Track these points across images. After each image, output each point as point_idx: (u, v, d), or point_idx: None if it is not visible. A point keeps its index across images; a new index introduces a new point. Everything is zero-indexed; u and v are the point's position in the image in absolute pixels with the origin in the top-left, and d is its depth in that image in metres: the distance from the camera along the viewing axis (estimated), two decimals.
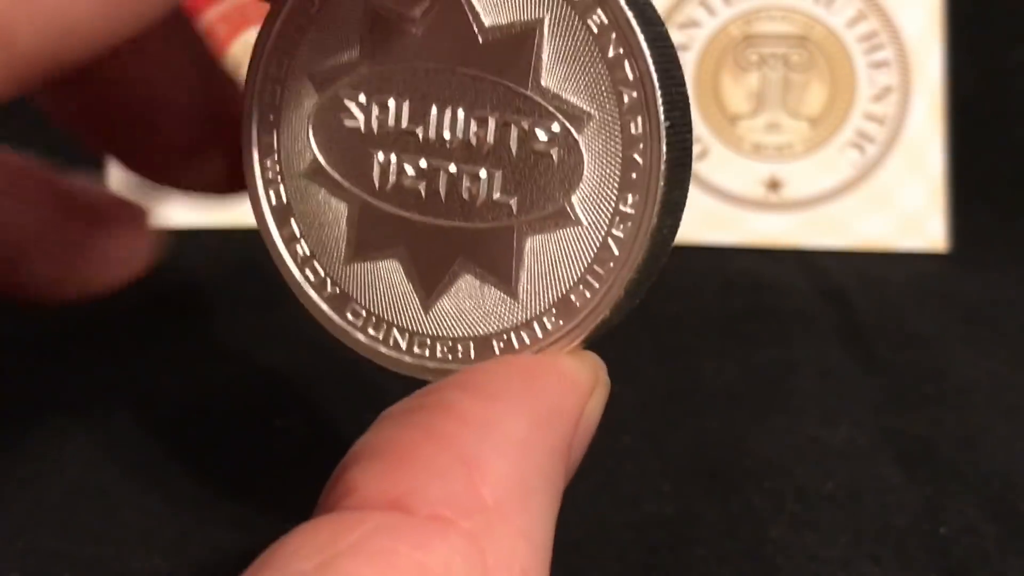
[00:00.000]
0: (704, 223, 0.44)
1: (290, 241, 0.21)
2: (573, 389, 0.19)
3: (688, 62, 0.45)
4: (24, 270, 0.23)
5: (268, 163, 0.21)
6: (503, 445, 0.17)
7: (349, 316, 0.21)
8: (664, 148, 0.18)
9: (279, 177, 0.21)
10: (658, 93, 0.18)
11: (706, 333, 0.37)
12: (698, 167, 0.44)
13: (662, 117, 0.18)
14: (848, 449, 0.31)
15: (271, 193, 0.21)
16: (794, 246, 0.44)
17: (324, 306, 0.21)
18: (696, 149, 0.44)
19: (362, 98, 0.20)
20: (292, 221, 0.21)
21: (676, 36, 0.45)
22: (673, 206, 0.19)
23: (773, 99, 0.45)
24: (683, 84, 0.19)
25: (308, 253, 0.21)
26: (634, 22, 0.18)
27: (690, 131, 0.19)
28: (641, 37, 0.18)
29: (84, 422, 0.31)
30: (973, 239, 0.44)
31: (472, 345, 0.20)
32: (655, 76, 0.18)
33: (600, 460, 0.30)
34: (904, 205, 0.44)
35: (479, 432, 0.17)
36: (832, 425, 0.32)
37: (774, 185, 0.44)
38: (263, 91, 0.21)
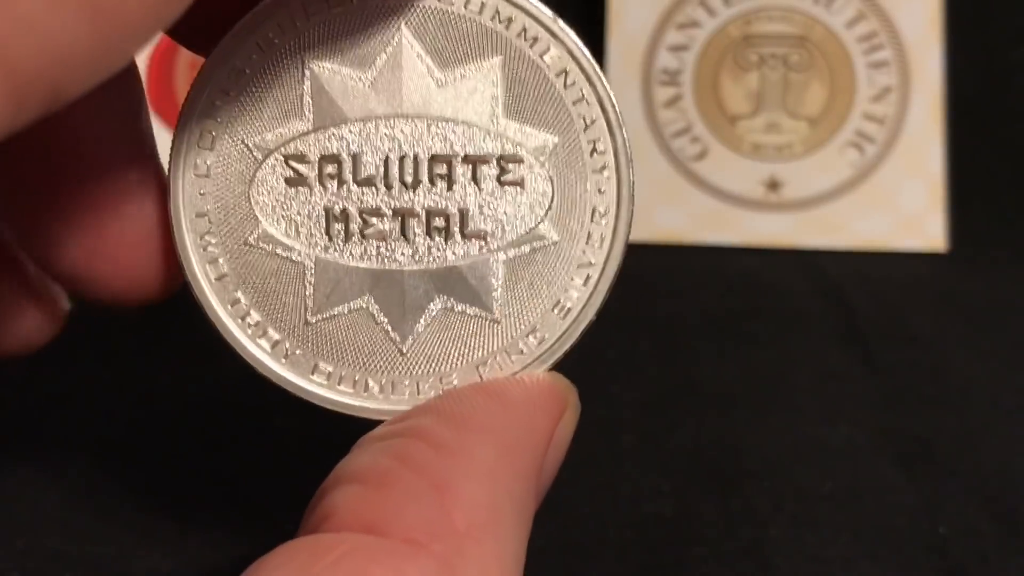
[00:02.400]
0: (704, 223, 0.44)
1: (238, 314, 0.21)
2: (544, 413, 0.20)
3: (688, 62, 0.45)
4: None
5: (204, 237, 0.20)
6: (474, 472, 0.18)
7: (315, 376, 0.21)
8: (629, 162, 0.20)
9: (218, 250, 0.21)
10: (618, 114, 0.20)
11: (706, 333, 0.37)
12: (698, 167, 0.44)
13: (624, 132, 0.20)
14: (847, 449, 0.31)
15: (209, 268, 0.21)
16: (794, 246, 0.44)
17: (286, 373, 0.21)
18: (696, 149, 0.45)
19: (310, 157, 0.20)
20: (238, 294, 0.21)
21: (676, 36, 0.45)
22: (632, 211, 0.21)
23: (773, 99, 0.45)
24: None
25: (261, 321, 0.21)
26: (587, 53, 0.20)
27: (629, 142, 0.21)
28: (595, 67, 0.20)
29: (84, 422, 0.31)
30: (973, 239, 0.44)
31: (455, 376, 0.20)
32: (613, 99, 0.20)
33: (600, 460, 0.30)
34: (904, 205, 0.44)
35: (451, 459, 0.18)
36: (831, 425, 0.32)
37: (774, 185, 0.44)
38: (188, 163, 0.20)
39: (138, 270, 0.21)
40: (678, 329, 0.38)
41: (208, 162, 0.21)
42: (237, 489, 0.28)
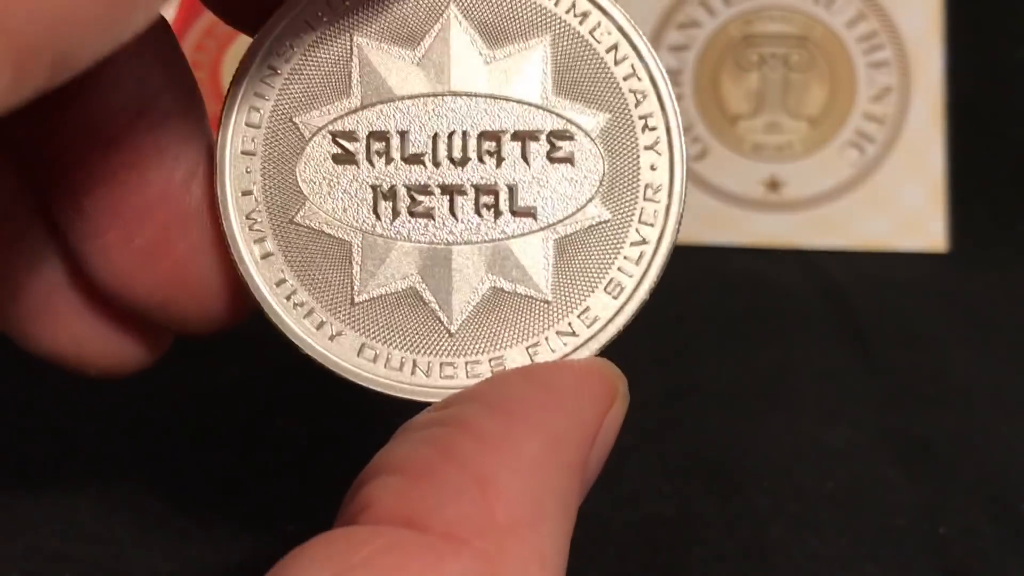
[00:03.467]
0: (704, 223, 0.44)
1: (283, 293, 0.20)
2: (592, 404, 0.19)
3: (688, 62, 0.45)
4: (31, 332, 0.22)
5: (249, 215, 0.20)
6: (518, 465, 0.17)
7: (361, 357, 0.20)
8: (681, 137, 0.20)
9: (264, 228, 0.20)
10: (669, 89, 0.20)
11: (706, 333, 0.37)
12: (698, 167, 0.44)
13: (676, 109, 0.20)
14: (848, 449, 0.31)
15: (255, 247, 0.20)
16: (794, 246, 0.44)
17: (331, 353, 0.20)
18: (696, 149, 0.45)
19: (358, 134, 0.20)
20: (283, 272, 0.20)
21: (676, 36, 0.45)
22: (685, 186, 0.20)
23: (773, 99, 0.45)
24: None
25: (307, 301, 0.20)
26: (637, 28, 0.20)
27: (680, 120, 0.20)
28: (646, 42, 0.20)
29: (84, 422, 0.31)
30: (973, 239, 0.44)
31: (504, 357, 0.20)
32: (664, 75, 0.20)
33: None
34: (904, 205, 0.44)
35: (494, 451, 0.17)
36: (832, 425, 0.32)
37: (774, 185, 0.44)
38: (238, 142, 0.20)
39: (203, 290, 0.21)
40: (678, 329, 0.38)
41: (255, 140, 0.20)
42: (237, 489, 0.28)
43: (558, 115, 0.20)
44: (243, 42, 0.46)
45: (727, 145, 0.45)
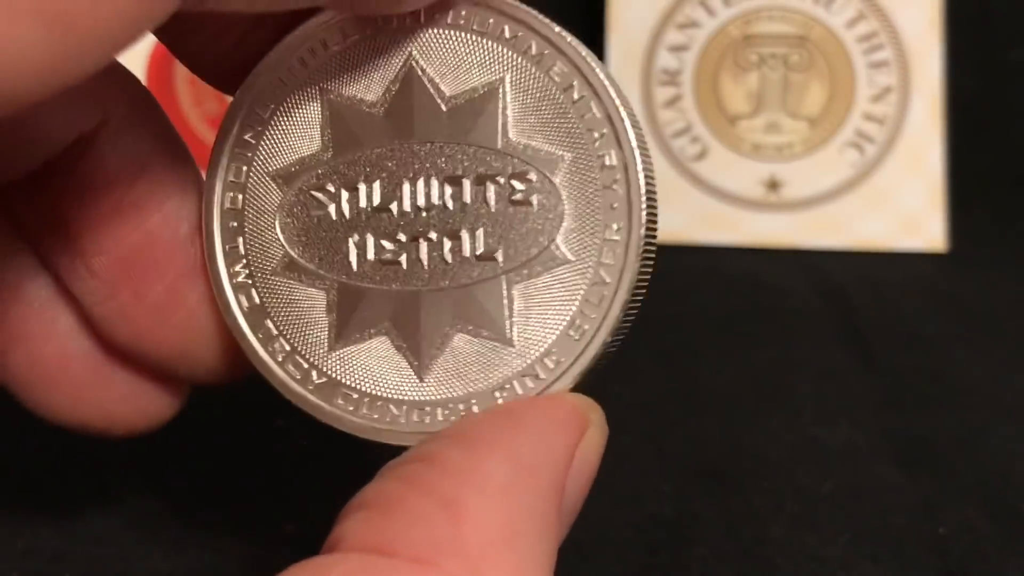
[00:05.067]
0: (704, 223, 0.44)
1: (267, 341, 0.21)
2: (561, 429, 0.19)
3: (688, 62, 0.45)
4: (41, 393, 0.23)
5: (236, 268, 0.21)
6: (485, 489, 0.17)
7: (340, 401, 0.20)
8: (641, 172, 0.20)
9: (249, 280, 0.21)
10: (627, 124, 0.19)
11: (706, 333, 0.37)
12: (698, 167, 0.44)
13: (634, 144, 0.19)
14: (847, 449, 0.31)
15: (242, 298, 0.21)
16: (794, 246, 0.44)
17: (312, 398, 0.21)
18: (696, 149, 0.45)
19: (330, 187, 0.21)
20: (267, 322, 0.21)
21: (676, 36, 0.45)
22: (654, 223, 0.20)
23: (773, 99, 0.45)
24: (634, 113, 0.20)
25: (288, 349, 0.21)
26: (597, 66, 0.20)
27: (649, 155, 0.20)
28: (604, 78, 0.20)
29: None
30: (973, 239, 0.44)
31: (474, 402, 0.20)
32: (622, 111, 0.19)
33: (600, 460, 0.30)
34: (904, 205, 0.44)
35: (460, 477, 0.17)
36: (831, 425, 0.32)
37: (774, 185, 0.44)
38: (223, 200, 0.21)
39: (215, 338, 0.22)
40: (678, 329, 0.38)
41: (238, 198, 0.21)
42: (237, 489, 0.28)
43: (517, 157, 0.20)
44: None
45: (727, 145, 0.45)
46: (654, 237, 0.20)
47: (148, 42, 0.44)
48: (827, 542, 0.27)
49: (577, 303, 0.20)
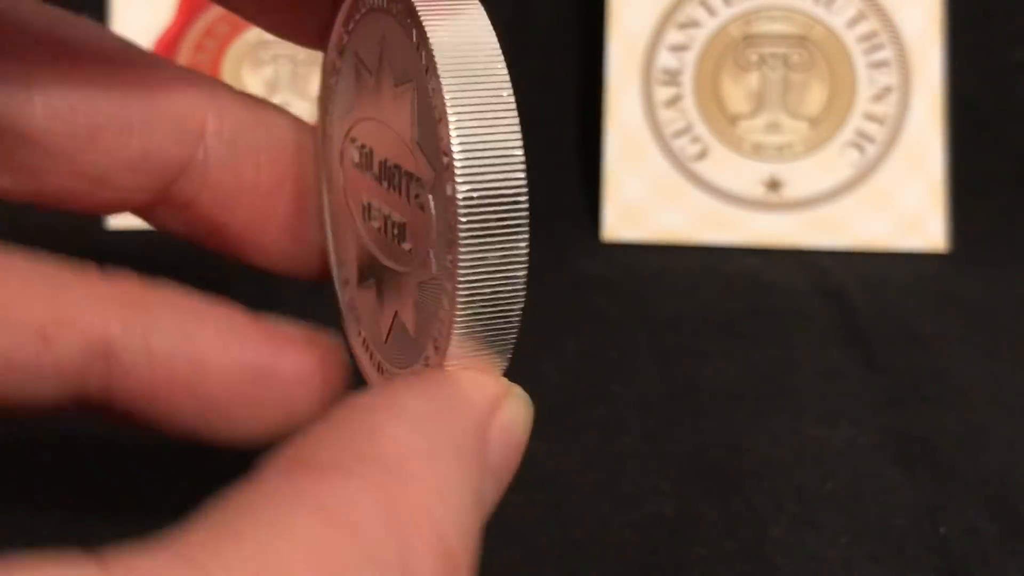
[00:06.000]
0: (704, 223, 0.44)
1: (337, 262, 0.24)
2: (477, 386, 0.20)
3: (688, 62, 0.45)
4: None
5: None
6: (402, 415, 0.18)
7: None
8: (463, 215, 0.19)
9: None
10: (456, 160, 0.19)
11: (706, 333, 0.37)
12: (698, 167, 0.44)
13: (459, 186, 0.19)
14: (848, 449, 0.31)
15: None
16: (794, 246, 0.44)
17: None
18: (696, 149, 0.45)
19: (356, 140, 0.23)
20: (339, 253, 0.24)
21: (676, 36, 0.45)
22: (487, 261, 0.19)
23: (773, 99, 0.45)
24: (511, 147, 0.19)
25: (344, 275, 0.24)
26: (447, 88, 0.19)
27: (518, 191, 0.19)
28: (448, 102, 0.19)
29: (85, 422, 0.31)
30: (973, 239, 0.44)
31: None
32: (455, 143, 0.19)
33: (600, 460, 0.30)
34: (904, 205, 0.44)
35: (381, 410, 0.18)
36: (832, 425, 0.32)
37: (774, 185, 0.44)
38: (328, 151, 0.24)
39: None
40: (678, 329, 0.38)
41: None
42: None
43: (420, 159, 0.20)
44: (243, 41, 0.46)
45: (727, 145, 0.45)
46: (503, 270, 0.20)
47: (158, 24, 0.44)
48: (827, 542, 0.27)
49: (443, 316, 0.20)
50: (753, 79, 0.45)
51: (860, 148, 0.44)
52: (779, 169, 0.44)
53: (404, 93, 0.20)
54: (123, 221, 0.41)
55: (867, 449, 0.31)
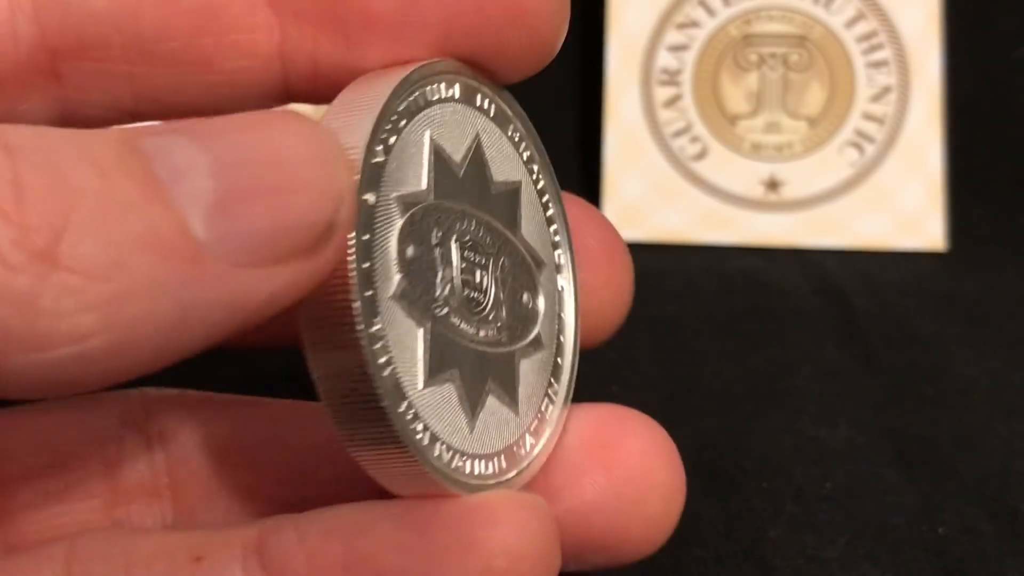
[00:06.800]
0: (703, 223, 0.44)
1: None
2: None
3: (688, 62, 0.45)
4: None
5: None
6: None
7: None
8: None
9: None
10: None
11: (705, 333, 0.37)
12: (697, 167, 0.44)
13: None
14: (847, 449, 0.31)
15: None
16: (793, 246, 0.44)
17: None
18: (695, 149, 0.45)
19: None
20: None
21: (676, 36, 0.45)
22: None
23: (772, 99, 0.45)
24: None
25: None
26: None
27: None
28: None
29: None
30: (972, 239, 0.44)
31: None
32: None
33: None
34: (903, 205, 0.44)
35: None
36: (831, 425, 0.32)
37: (773, 185, 0.44)
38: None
39: None
40: (678, 329, 0.38)
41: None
42: None
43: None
44: None
45: (726, 145, 0.45)
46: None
47: None
48: (826, 542, 0.27)
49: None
50: (752, 79, 0.45)
51: (859, 148, 0.44)
52: (778, 169, 0.44)
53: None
54: None
55: (865, 449, 0.31)
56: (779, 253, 0.43)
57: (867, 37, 0.45)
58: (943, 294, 0.41)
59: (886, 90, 0.44)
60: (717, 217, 0.44)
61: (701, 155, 0.44)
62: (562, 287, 0.23)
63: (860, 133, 0.44)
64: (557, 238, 0.23)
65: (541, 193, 0.23)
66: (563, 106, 0.47)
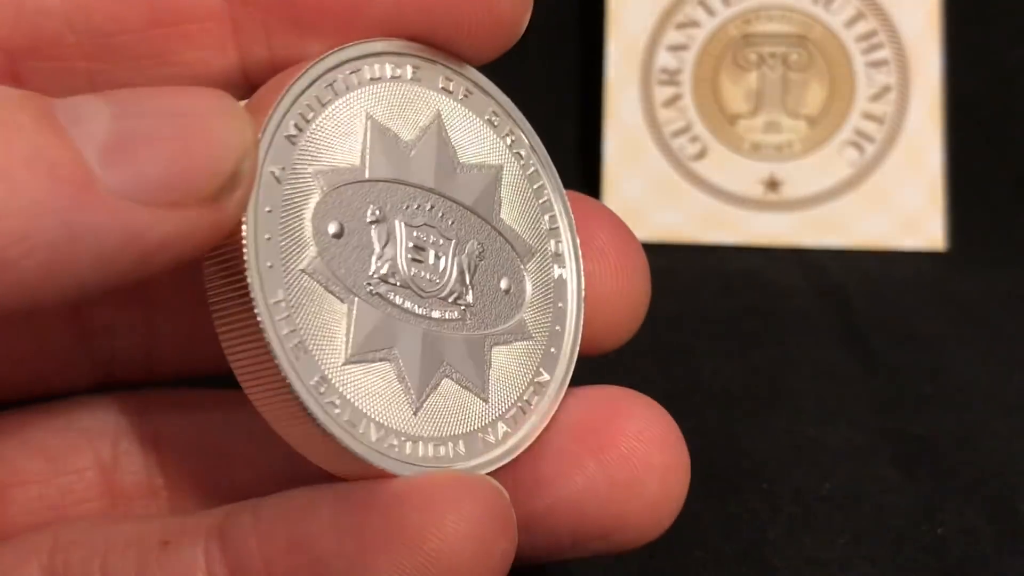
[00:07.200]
0: (703, 223, 0.44)
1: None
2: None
3: (688, 62, 0.45)
4: None
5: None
6: None
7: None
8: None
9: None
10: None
11: (706, 333, 0.37)
12: (697, 167, 0.44)
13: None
14: (846, 449, 0.31)
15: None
16: (793, 246, 0.44)
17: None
18: (695, 149, 0.45)
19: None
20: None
21: (676, 36, 0.45)
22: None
23: (772, 99, 0.45)
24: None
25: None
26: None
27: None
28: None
29: None
30: (972, 239, 0.44)
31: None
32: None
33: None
34: (903, 204, 0.44)
35: None
36: (830, 425, 0.32)
37: (773, 185, 0.44)
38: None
39: None
40: (678, 329, 0.38)
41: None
42: None
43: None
44: None
45: (726, 144, 0.45)
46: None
47: None
48: (825, 543, 0.27)
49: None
50: (752, 79, 0.45)
51: (859, 147, 0.44)
52: (778, 168, 0.44)
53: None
54: None
55: (865, 449, 0.31)
56: (779, 253, 0.43)
57: (867, 37, 0.45)
58: (943, 294, 0.41)
59: (886, 90, 0.44)
60: (717, 217, 0.44)
61: (701, 155, 0.44)
62: (561, 276, 0.22)
63: (860, 133, 0.44)
64: (555, 226, 0.22)
65: (532, 179, 0.22)
66: (563, 106, 0.47)
